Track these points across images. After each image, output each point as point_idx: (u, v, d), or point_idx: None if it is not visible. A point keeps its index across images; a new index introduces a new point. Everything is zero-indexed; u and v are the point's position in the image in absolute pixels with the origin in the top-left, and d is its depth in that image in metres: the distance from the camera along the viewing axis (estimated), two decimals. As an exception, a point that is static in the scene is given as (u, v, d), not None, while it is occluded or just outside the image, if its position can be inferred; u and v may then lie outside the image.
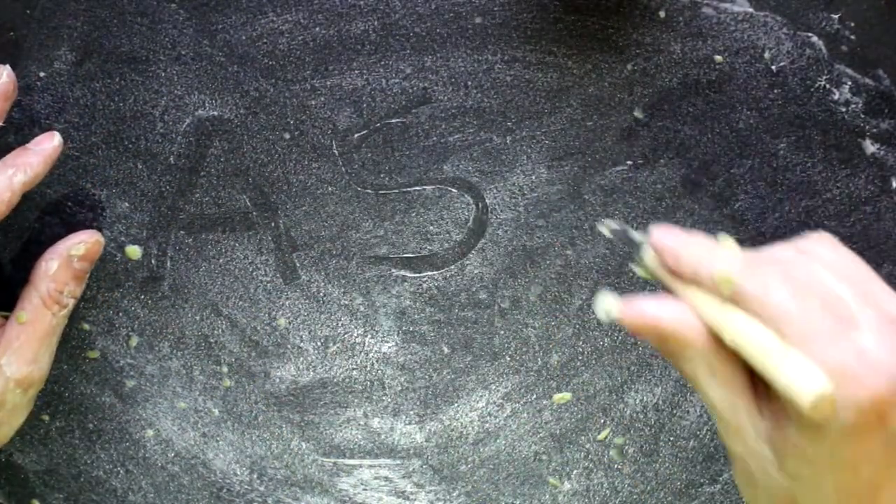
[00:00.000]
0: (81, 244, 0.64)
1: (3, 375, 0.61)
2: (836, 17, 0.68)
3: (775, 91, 0.68)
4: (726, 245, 0.52)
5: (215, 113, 0.68)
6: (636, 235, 0.54)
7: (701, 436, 0.69)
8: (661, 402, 0.68)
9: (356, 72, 0.68)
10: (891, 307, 0.49)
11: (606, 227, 0.57)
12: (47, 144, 0.63)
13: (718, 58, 0.68)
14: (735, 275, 0.50)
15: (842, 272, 0.50)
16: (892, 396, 0.47)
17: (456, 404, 0.69)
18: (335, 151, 0.68)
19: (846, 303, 0.48)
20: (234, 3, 0.67)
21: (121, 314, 0.68)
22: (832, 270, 0.50)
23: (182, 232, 0.68)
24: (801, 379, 0.47)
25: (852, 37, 0.67)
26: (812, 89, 0.68)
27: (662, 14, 0.67)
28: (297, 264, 0.68)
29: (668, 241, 0.53)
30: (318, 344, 0.69)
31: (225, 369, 0.68)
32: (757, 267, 0.50)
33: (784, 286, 0.49)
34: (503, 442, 0.69)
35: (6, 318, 0.63)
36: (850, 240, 0.68)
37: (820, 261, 0.50)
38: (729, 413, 0.51)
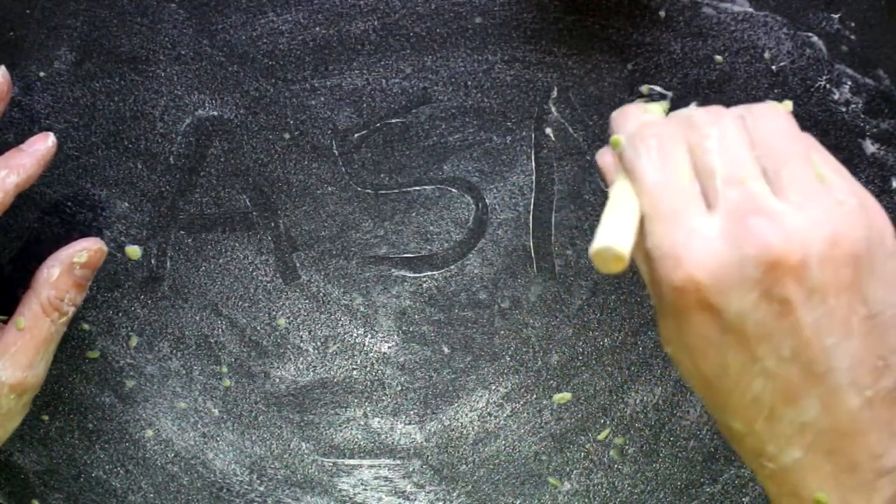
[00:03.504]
0: (84, 251, 0.63)
1: None
2: (836, 17, 0.68)
3: (775, 91, 0.68)
4: (650, 110, 0.53)
5: (215, 113, 0.68)
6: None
7: (701, 436, 0.69)
8: (661, 402, 0.68)
9: (356, 72, 0.68)
10: (765, 200, 0.48)
11: (646, 89, 0.58)
12: (41, 145, 0.63)
13: (718, 58, 0.68)
14: (622, 139, 0.51)
15: (760, 147, 0.50)
16: (710, 283, 0.47)
17: (456, 404, 0.69)
18: (335, 151, 0.68)
19: (715, 180, 0.49)
20: (234, 3, 0.67)
21: (121, 314, 0.68)
22: (738, 143, 0.49)
23: (182, 232, 0.68)
24: (602, 230, 0.49)
25: (852, 37, 0.67)
26: (812, 89, 0.68)
27: (662, 14, 0.67)
28: (297, 264, 0.68)
29: (613, 114, 0.54)
30: (318, 344, 0.69)
31: (225, 369, 0.68)
32: (648, 130, 0.51)
33: (657, 159, 0.50)
34: (503, 442, 0.69)
35: (5, 322, 0.63)
36: (850, 240, 0.68)
37: (742, 130, 0.50)
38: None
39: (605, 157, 0.53)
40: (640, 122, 0.51)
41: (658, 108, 0.53)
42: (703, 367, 0.49)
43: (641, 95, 0.67)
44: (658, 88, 0.58)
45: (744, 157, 0.49)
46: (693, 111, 0.52)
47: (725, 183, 0.48)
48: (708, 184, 0.49)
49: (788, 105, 0.52)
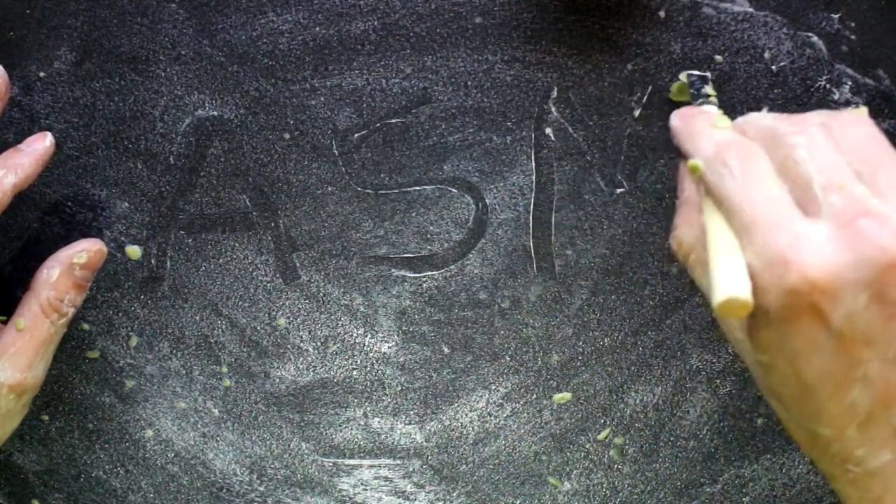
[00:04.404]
0: (84, 252, 0.63)
1: None
2: (836, 17, 0.68)
3: (775, 91, 0.68)
4: (720, 125, 0.52)
5: (215, 113, 0.68)
6: (706, 91, 0.55)
7: (701, 436, 0.69)
8: (661, 402, 0.68)
9: (356, 72, 0.68)
10: (870, 203, 0.47)
11: (686, 76, 0.57)
12: (39, 145, 0.63)
13: (718, 58, 0.68)
14: (701, 162, 0.50)
15: (850, 153, 0.49)
16: (825, 284, 0.46)
17: (456, 404, 0.69)
18: (335, 151, 0.68)
19: (812, 189, 0.48)
20: (234, 3, 0.67)
21: (121, 314, 0.68)
22: (829, 150, 0.49)
23: (182, 232, 0.68)
24: (718, 281, 0.48)
25: (852, 37, 0.67)
26: (812, 89, 0.68)
27: (662, 14, 0.67)
28: (297, 264, 0.68)
29: (674, 122, 0.53)
30: (318, 344, 0.69)
31: (225, 369, 0.68)
32: (727, 151, 0.50)
33: (741, 178, 0.49)
34: (503, 442, 0.69)
35: (4, 322, 0.63)
36: (850, 240, 0.68)
37: (829, 138, 0.49)
38: None
39: (686, 181, 0.53)
40: (715, 143, 0.51)
41: (725, 120, 0.52)
42: (805, 373, 0.48)
43: (688, 79, 0.65)
44: (696, 72, 0.57)
45: (839, 163, 0.48)
46: (772, 122, 0.51)
47: (825, 189, 0.48)
48: (805, 193, 0.48)
49: (865, 111, 0.51)
